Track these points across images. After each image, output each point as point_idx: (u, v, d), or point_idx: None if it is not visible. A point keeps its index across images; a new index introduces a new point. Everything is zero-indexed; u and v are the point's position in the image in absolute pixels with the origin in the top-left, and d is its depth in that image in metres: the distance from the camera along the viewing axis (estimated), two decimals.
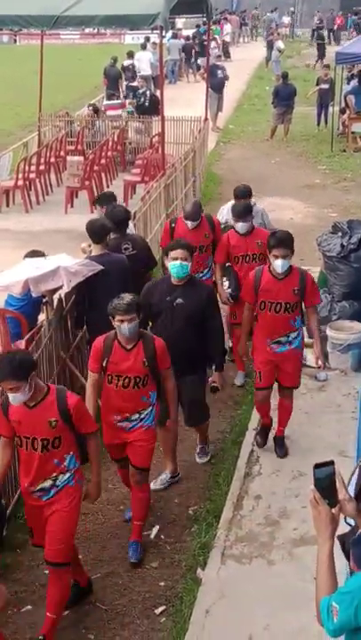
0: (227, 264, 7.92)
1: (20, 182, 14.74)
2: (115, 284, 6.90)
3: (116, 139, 17.17)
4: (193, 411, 6.69)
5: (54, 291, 7.53)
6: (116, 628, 5.31)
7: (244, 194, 8.53)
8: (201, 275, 7.99)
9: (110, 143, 16.90)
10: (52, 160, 16.34)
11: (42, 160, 15.72)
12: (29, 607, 5.47)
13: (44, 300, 7.62)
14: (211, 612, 5.31)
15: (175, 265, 6.38)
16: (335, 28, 41.68)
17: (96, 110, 18.75)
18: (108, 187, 15.86)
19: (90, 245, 7.92)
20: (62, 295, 7.69)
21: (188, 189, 14.46)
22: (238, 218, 7.80)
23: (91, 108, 19.19)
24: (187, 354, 6.28)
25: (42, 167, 15.66)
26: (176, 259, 6.39)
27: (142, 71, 24.59)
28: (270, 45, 32.35)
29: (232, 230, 7.92)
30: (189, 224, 8.13)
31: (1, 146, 17.75)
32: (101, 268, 7.35)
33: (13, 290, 7.37)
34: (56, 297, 7.59)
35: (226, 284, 7.93)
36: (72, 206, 14.44)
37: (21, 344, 7.39)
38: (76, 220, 12.24)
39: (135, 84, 20.03)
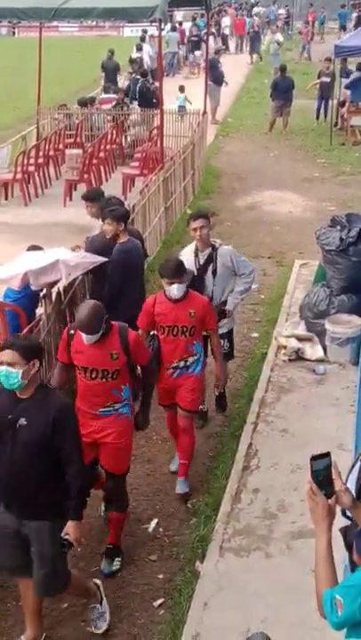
0: (152, 332, 6.48)
1: (19, 175, 14.72)
2: (140, 271, 7.45)
3: (114, 132, 17.15)
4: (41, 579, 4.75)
5: (53, 284, 7.53)
6: (115, 621, 5.32)
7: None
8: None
9: (109, 136, 16.88)
10: (51, 153, 16.31)
11: (40, 153, 15.70)
12: None
13: (43, 294, 7.63)
14: (209, 604, 5.33)
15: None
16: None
17: (84, 104, 18.64)
18: (107, 180, 15.85)
19: (79, 247, 7.98)
20: (61, 288, 7.69)
21: (187, 182, 14.44)
22: (171, 278, 6.19)
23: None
24: (28, 495, 4.61)
25: (41, 160, 15.63)
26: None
27: (144, 63, 24.56)
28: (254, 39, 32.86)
29: (161, 293, 6.37)
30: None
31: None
32: (104, 260, 7.36)
33: (13, 283, 7.37)
34: (54, 290, 7.60)
35: None
36: (71, 199, 14.42)
37: None
38: (74, 213, 12.22)
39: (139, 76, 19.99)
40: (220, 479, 6.68)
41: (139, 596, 5.57)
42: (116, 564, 5.77)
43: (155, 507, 6.47)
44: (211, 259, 7.06)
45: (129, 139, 18.15)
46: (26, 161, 14.96)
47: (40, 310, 7.82)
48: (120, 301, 7.02)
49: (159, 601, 5.51)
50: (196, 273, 6.98)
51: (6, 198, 14.94)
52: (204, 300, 6.48)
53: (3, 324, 7.86)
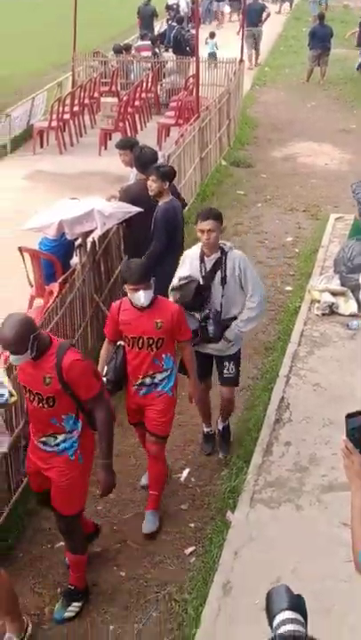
0: (119, 342, 5.72)
1: (54, 123, 14.65)
2: (181, 231, 7.22)
3: (149, 80, 16.95)
4: None
5: (88, 234, 7.53)
6: (147, 567, 5.43)
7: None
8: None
9: (144, 85, 16.69)
10: (86, 101, 16.19)
11: (76, 101, 15.58)
12: (61, 544, 5.59)
13: (78, 243, 7.65)
14: (239, 553, 5.40)
15: None
16: None
17: (119, 51, 18.42)
18: (141, 129, 15.73)
19: (114, 197, 7.92)
20: (96, 238, 7.70)
21: (223, 133, 14.28)
22: (136, 283, 5.36)
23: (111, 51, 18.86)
24: None
25: (76, 108, 15.53)
26: None
27: (181, 10, 24.15)
28: None
29: (125, 299, 5.57)
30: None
31: (35, 86, 17.58)
32: (138, 210, 7.32)
33: (48, 232, 7.39)
34: (89, 240, 7.60)
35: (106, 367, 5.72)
36: (106, 148, 14.34)
37: (55, 286, 7.44)
38: (109, 162, 12.15)
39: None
40: (251, 432, 6.72)
41: (170, 543, 5.66)
42: (72, 608, 5.07)
43: (187, 457, 6.54)
44: (219, 265, 5.95)
45: (164, 87, 17.93)
46: (61, 109, 14.87)
47: (75, 260, 7.85)
48: (163, 262, 6.96)
49: (190, 549, 5.59)
50: (201, 281, 5.95)
51: (42, 146, 14.89)
52: (174, 308, 5.52)
53: (38, 272, 7.92)
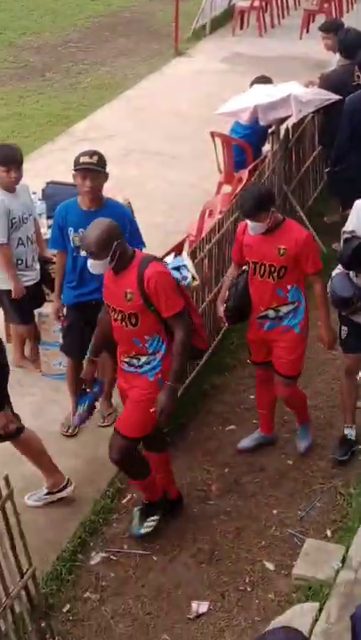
0: (244, 267, 5.22)
1: (256, 3, 14.19)
2: None
3: None
4: None
5: (282, 120, 7.34)
6: (315, 458, 5.47)
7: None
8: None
9: None
10: None
11: None
12: (233, 427, 5.73)
13: (271, 130, 7.48)
14: None
15: None
16: None
17: None
18: (347, 11, 14.94)
19: (313, 83, 7.59)
20: (290, 126, 7.49)
21: None
22: (247, 215, 4.93)
23: None
24: None
25: None
26: None
27: None
28: None
29: None
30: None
31: None
32: (338, 98, 7.00)
33: (241, 116, 7.27)
34: (283, 127, 7.41)
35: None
36: (308, 31, 13.77)
37: (244, 173, 7.37)
38: (311, 46, 11.68)
39: None
40: None
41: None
42: (149, 524, 4.88)
43: None
44: None
45: None
46: None
47: (266, 147, 7.71)
48: (345, 160, 6.67)
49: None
50: None
51: (241, 28, 14.51)
52: (301, 235, 4.97)
53: (228, 158, 7.85)
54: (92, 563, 4.72)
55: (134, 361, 4.53)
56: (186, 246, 6.30)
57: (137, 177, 9.08)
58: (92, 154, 5.18)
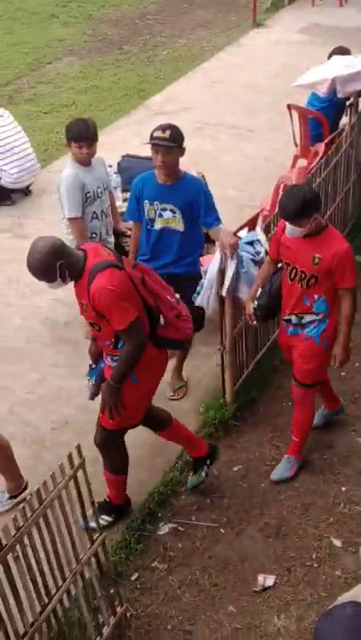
0: (279, 265, 5.01)
1: None
2: None
3: None
4: None
5: None
6: None
7: None
8: None
9: None
10: None
11: None
12: None
13: (349, 103, 7.35)
14: None
15: None
16: None
17: None
18: None
19: None
20: None
21: None
22: (286, 217, 4.66)
23: None
24: None
25: None
26: None
27: None
28: None
29: None
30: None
31: None
32: None
33: (319, 89, 7.19)
34: None
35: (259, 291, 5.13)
36: None
37: (320, 147, 7.28)
38: None
39: None
40: None
41: None
42: (102, 521, 4.48)
43: None
44: None
45: None
46: None
47: (344, 120, 7.58)
48: None
49: None
50: None
51: None
52: (341, 247, 4.65)
53: (304, 132, 7.77)
54: (161, 533, 4.79)
55: (108, 359, 4.45)
56: (260, 221, 6.27)
57: (212, 150, 9.07)
58: (165, 128, 5.15)
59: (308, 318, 4.81)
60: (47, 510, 3.57)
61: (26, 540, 3.45)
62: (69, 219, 5.77)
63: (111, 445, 4.63)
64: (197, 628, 4.23)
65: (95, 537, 3.91)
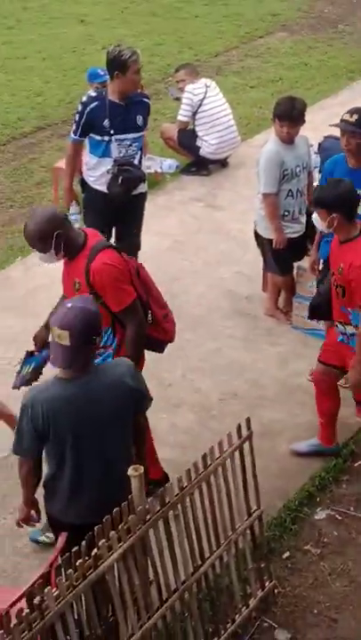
0: None
1: None
2: None
3: None
4: None
5: None
6: None
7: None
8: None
9: None
10: None
11: None
12: None
13: None
14: None
15: None
16: None
17: None
18: None
19: None
20: None
21: None
22: (313, 202, 4.78)
23: None
24: None
25: None
26: None
27: None
28: None
29: None
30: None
31: None
32: None
33: None
34: None
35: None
36: None
37: None
38: None
39: None
40: None
41: None
42: None
43: None
44: None
45: None
46: None
47: None
48: None
49: None
50: None
51: None
52: (357, 261, 4.35)
53: None
54: (317, 518, 4.76)
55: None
56: None
57: None
58: (353, 112, 5.14)
59: (349, 330, 4.57)
60: (210, 477, 3.66)
61: (187, 503, 3.56)
62: (264, 194, 5.82)
63: None
64: (344, 617, 4.19)
65: (253, 510, 3.96)
